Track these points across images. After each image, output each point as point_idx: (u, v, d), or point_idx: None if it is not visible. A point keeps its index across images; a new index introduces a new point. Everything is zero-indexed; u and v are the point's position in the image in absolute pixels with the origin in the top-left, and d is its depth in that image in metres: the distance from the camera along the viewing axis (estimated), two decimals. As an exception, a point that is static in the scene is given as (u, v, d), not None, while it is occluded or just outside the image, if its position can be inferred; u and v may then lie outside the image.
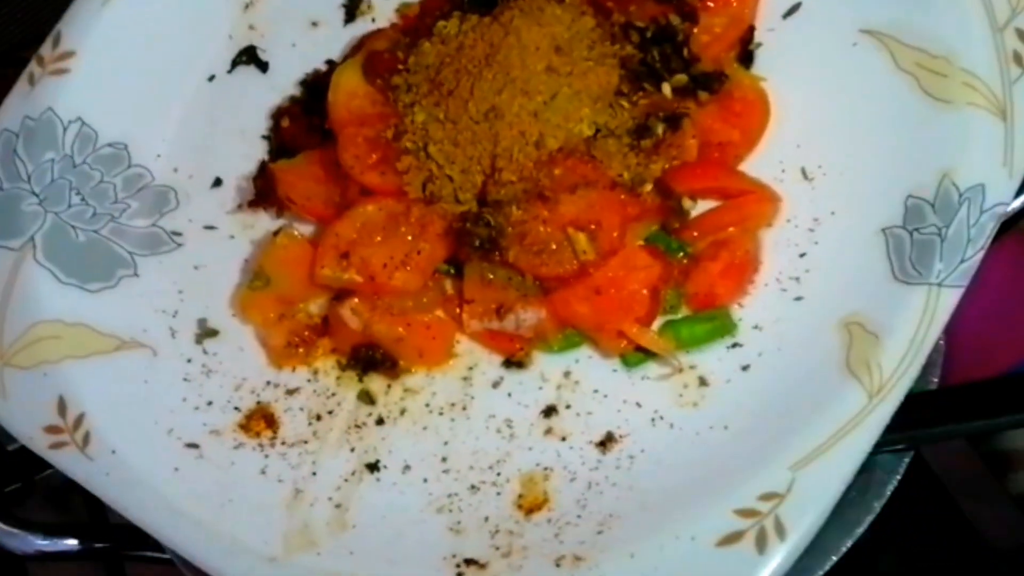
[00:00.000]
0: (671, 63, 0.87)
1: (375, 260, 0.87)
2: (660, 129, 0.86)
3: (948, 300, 0.77)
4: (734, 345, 0.84)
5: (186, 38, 1.02)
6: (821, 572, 0.84)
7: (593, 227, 0.83)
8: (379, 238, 0.87)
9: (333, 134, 0.93)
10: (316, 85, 0.99)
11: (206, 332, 0.93)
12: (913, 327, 0.77)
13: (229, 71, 1.02)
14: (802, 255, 0.85)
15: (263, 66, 1.02)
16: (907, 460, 0.86)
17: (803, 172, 0.87)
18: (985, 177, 0.79)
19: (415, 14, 0.99)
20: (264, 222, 0.97)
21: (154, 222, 0.97)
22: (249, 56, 1.02)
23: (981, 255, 0.78)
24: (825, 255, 0.84)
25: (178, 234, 0.97)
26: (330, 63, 1.00)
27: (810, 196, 0.86)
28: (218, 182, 0.98)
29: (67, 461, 0.86)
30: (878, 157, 0.85)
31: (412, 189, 0.87)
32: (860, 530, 0.85)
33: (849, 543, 0.84)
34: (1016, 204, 0.84)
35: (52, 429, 0.87)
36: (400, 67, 0.92)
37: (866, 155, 0.86)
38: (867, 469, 0.81)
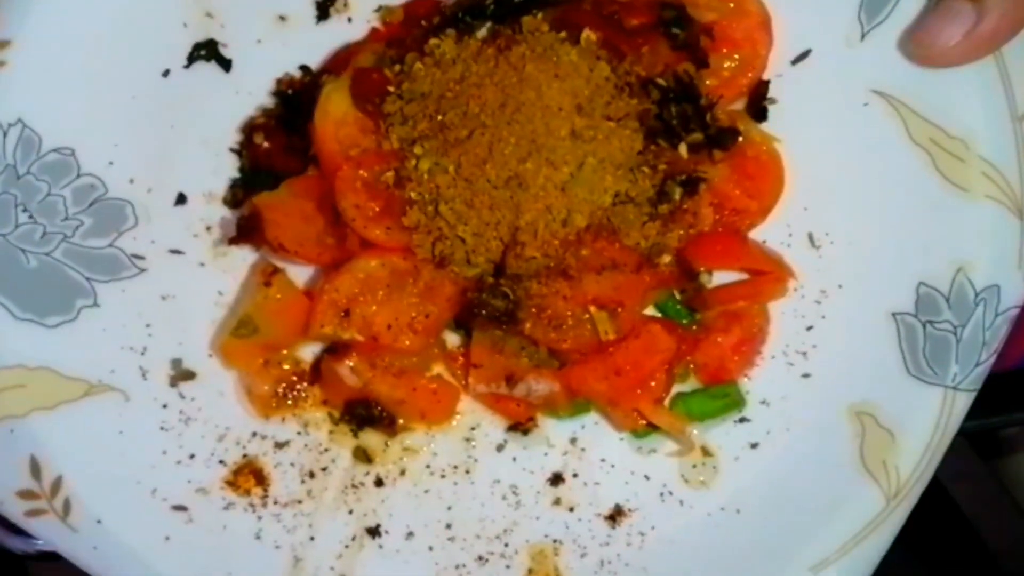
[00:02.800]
0: (689, 121, 0.84)
1: (379, 320, 0.83)
2: (677, 194, 0.83)
3: (962, 404, 0.80)
4: (742, 420, 0.85)
5: (135, 25, 0.91)
6: None
7: (615, 306, 0.81)
8: (383, 296, 0.83)
9: (317, 159, 0.87)
10: (292, 97, 0.91)
11: (181, 374, 0.87)
12: (930, 429, 0.80)
13: (186, 66, 0.92)
14: (809, 328, 0.86)
15: (226, 64, 0.93)
16: None
17: (810, 238, 0.87)
18: (1001, 278, 0.81)
19: (399, 21, 0.91)
20: (238, 249, 0.90)
21: (111, 242, 0.89)
22: (209, 52, 0.92)
23: (993, 359, 0.80)
24: (833, 331, 0.85)
25: (140, 257, 0.89)
26: (304, 69, 0.92)
27: (817, 265, 0.86)
28: (182, 199, 0.90)
29: (48, 531, 0.82)
30: (888, 233, 0.85)
31: (421, 250, 0.82)
32: None
33: None
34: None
35: (27, 494, 0.82)
36: (391, 89, 0.85)
37: (875, 228, 0.86)
38: None
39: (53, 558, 0.92)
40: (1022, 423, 0.92)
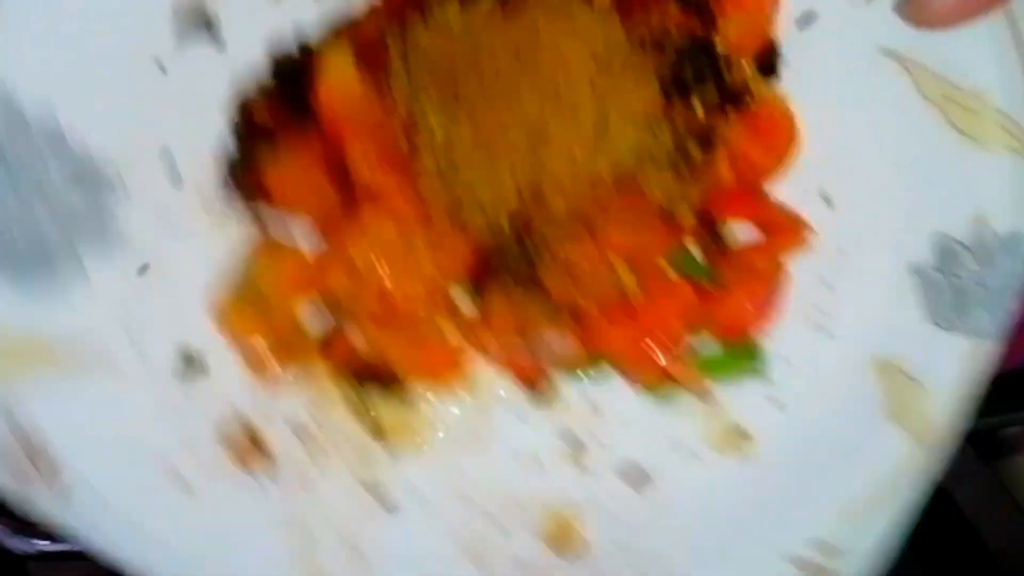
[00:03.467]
0: (704, 79, 0.83)
1: (389, 280, 0.80)
2: (695, 151, 0.82)
3: (989, 350, 0.79)
4: (763, 380, 0.83)
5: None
6: None
7: (638, 260, 0.79)
8: (394, 254, 0.80)
9: (318, 119, 0.84)
10: (291, 75, 0.87)
11: (178, 350, 0.82)
12: (957, 377, 0.79)
13: (176, 43, 0.88)
14: (828, 285, 0.84)
15: (220, 40, 0.89)
16: None
17: (825, 197, 0.86)
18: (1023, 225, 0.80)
19: (401, -2, 0.89)
20: (233, 217, 0.86)
21: (97, 213, 0.84)
22: (201, 19, 0.89)
23: (1018, 306, 0.79)
24: (852, 287, 0.84)
25: (125, 222, 0.84)
26: (303, 49, 0.89)
27: (833, 223, 0.85)
28: (173, 169, 0.86)
29: (36, 497, 0.75)
30: (904, 188, 0.84)
31: (434, 205, 0.79)
32: None
33: None
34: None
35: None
36: (396, 59, 0.83)
37: (890, 185, 0.85)
38: None
39: (53, 558, 0.95)
40: (1022, 423, 0.91)
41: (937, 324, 0.80)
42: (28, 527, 0.94)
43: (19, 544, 0.93)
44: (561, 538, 0.79)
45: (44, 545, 0.94)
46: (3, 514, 0.93)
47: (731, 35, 0.88)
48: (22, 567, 0.98)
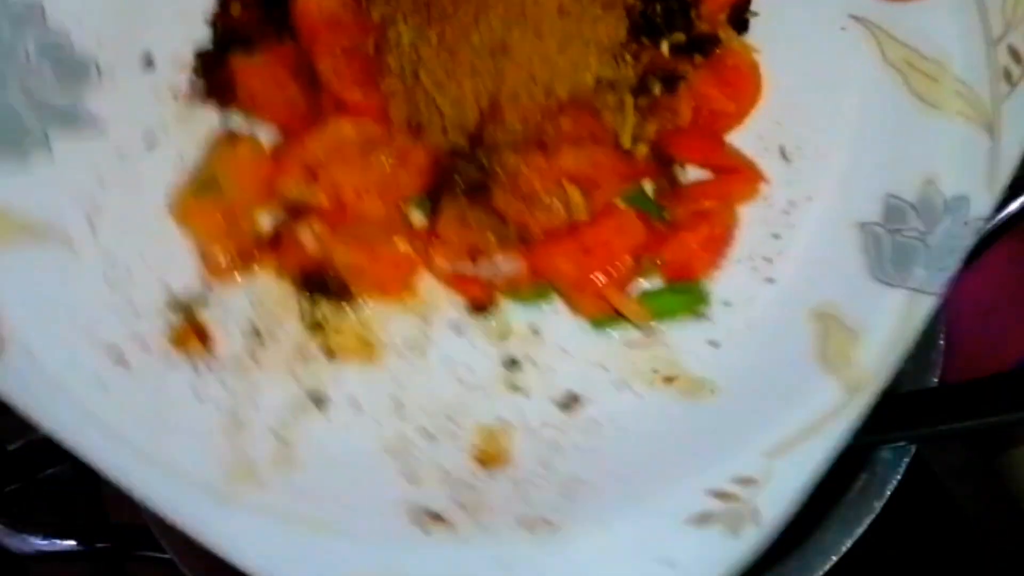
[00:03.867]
0: (674, 20, 0.85)
1: (346, 184, 0.81)
2: (657, 89, 0.83)
3: (926, 306, 0.80)
4: (703, 319, 0.84)
5: None
6: (821, 572, 0.86)
7: (589, 185, 0.80)
8: (353, 160, 0.81)
9: (294, 31, 0.86)
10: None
11: (133, 235, 0.84)
12: (892, 328, 0.79)
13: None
14: (776, 236, 0.86)
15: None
16: (907, 460, 0.88)
17: (782, 151, 0.87)
18: (970, 189, 0.82)
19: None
20: (202, 115, 0.88)
21: (71, 99, 0.86)
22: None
23: (959, 266, 0.80)
24: (799, 240, 0.85)
25: (100, 116, 0.86)
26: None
27: (787, 177, 0.87)
28: (149, 63, 0.88)
29: (-20, 362, 0.77)
30: (859, 148, 0.86)
31: (397, 117, 0.81)
32: (860, 530, 0.87)
33: (849, 543, 0.86)
34: (1016, 205, 0.86)
35: (-39, 323, 0.77)
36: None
37: (847, 144, 0.86)
38: (867, 468, 0.83)
39: (53, 558, 0.96)
40: (1022, 422, 0.92)
41: (877, 278, 0.81)
42: (28, 526, 0.96)
43: (18, 544, 0.94)
44: (487, 452, 0.80)
45: (43, 545, 0.96)
46: (3, 514, 0.96)
47: (708, -20, 0.90)
48: (22, 567, 1.01)
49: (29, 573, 1.02)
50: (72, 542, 0.97)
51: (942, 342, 0.97)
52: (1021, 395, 0.88)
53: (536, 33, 0.80)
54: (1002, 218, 0.92)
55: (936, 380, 0.97)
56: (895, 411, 0.82)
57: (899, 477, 0.91)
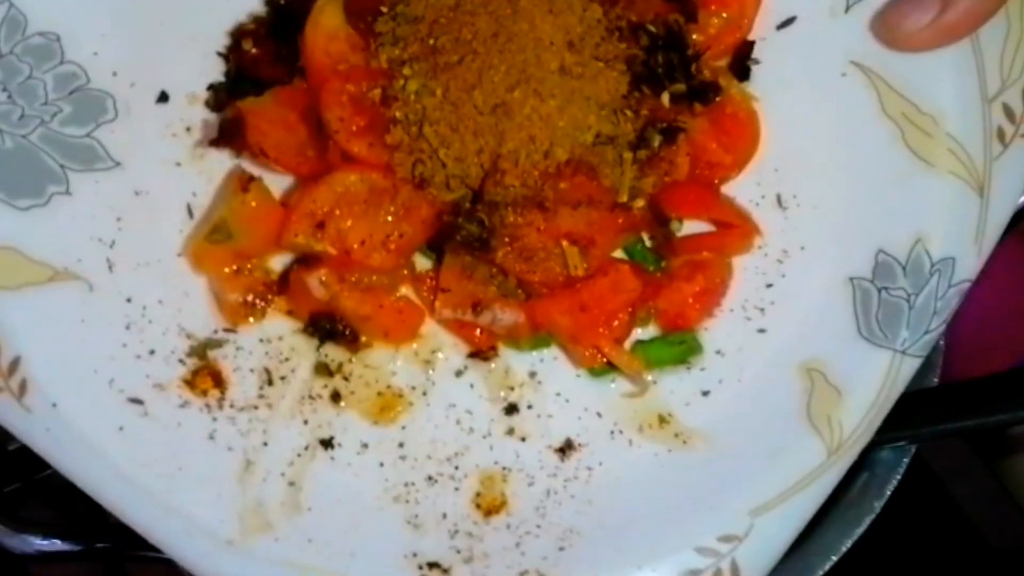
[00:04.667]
0: (675, 71, 0.86)
1: (353, 235, 0.84)
2: (656, 141, 0.85)
3: (909, 368, 0.83)
4: (696, 368, 0.87)
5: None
6: (821, 572, 0.89)
7: (586, 243, 0.83)
8: (359, 212, 0.84)
9: (304, 71, 0.88)
10: (283, 7, 0.91)
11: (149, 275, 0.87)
12: (875, 390, 0.83)
13: (178, -40, 0.92)
14: (769, 285, 0.88)
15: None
16: (907, 460, 0.91)
17: (778, 199, 0.89)
18: (957, 251, 0.84)
19: (396, -54, 0.92)
20: (216, 153, 0.90)
21: (89, 132, 0.88)
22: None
23: (943, 328, 0.83)
24: (791, 290, 0.88)
25: (117, 152, 0.89)
26: (294, -20, 0.92)
27: (782, 226, 0.89)
28: (164, 97, 0.90)
29: (2, 410, 0.81)
30: (853, 200, 0.88)
31: (401, 169, 0.83)
32: (860, 530, 0.90)
33: (849, 543, 0.89)
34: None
35: (-17, 370, 0.81)
36: (384, 9, 0.86)
37: (842, 195, 0.88)
38: (867, 468, 0.86)
39: (53, 558, 0.99)
40: (1022, 422, 0.94)
41: (864, 337, 0.84)
42: (28, 526, 0.99)
43: (18, 544, 0.95)
44: (486, 498, 0.84)
45: (43, 545, 0.97)
46: (3, 514, 0.98)
47: (710, 29, 0.91)
48: (22, 567, 1.04)
49: (29, 573, 1.04)
50: (72, 542, 0.99)
51: (942, 342, 0.99)
52: (1021, 395, 0.91)
53: (537, 94, 0.82)
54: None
55: (936, 380, 0.99)
56: (895, 411, 0.83)
57: (899, 477, 0.94)
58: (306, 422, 0.86)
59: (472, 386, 0.87)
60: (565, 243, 0.83)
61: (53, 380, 0.82)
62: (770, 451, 0.82)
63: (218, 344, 0.87)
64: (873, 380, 0.83)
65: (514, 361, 0.88)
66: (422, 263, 0.88)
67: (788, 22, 0.92)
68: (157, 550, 0.85)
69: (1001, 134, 0.86)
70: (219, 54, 0.91)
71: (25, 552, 0.97)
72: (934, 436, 0.96)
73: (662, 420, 0.86)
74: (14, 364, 0.82)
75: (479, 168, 0.83)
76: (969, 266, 0.84)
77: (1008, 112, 0.86)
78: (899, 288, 0.84)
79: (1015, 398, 0.91)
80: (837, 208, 0.88)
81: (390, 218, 0.84)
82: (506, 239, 0.83)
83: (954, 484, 1.11)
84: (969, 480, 1.12)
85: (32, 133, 0.87)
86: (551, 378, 0.87)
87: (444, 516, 0.83)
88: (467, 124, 0.82)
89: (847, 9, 0.89)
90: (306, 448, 0.85)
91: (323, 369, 0.87)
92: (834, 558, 0.93)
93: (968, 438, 1.12)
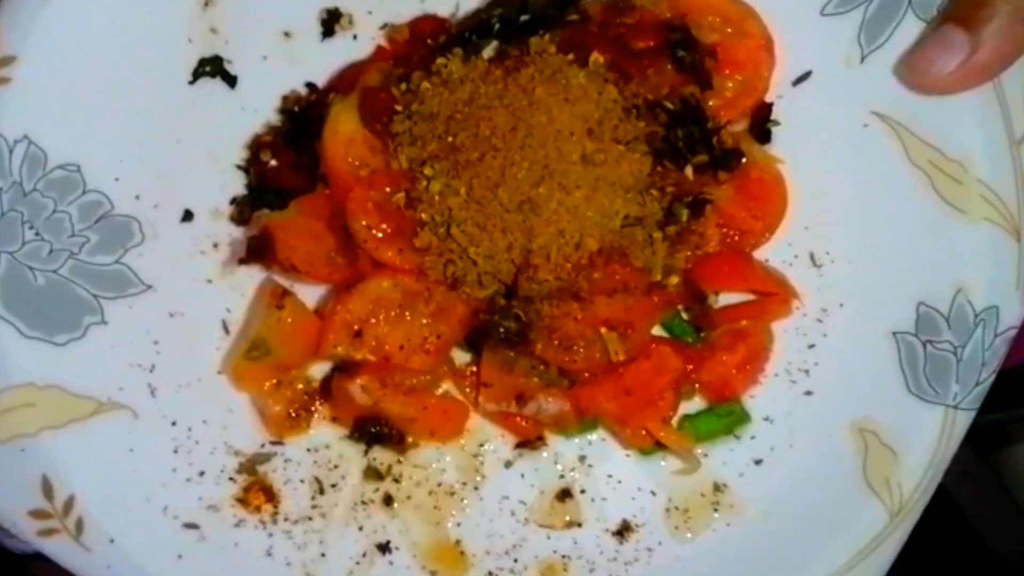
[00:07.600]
0: (696, 143, 0.86)
1: (391, 341, 0.84)
2: (684, 215, 0.85)
3: (963, 422, 0.82)
4: (746, 437, 0.86)
5: (139, 40, 0.90)
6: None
7: (625, 328, 0.82)
8: (395, 317, 0.84)
9: (325, 177, 0.88)
10: (298, 115, 0.91)
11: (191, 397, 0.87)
12: (931, 448, 0.82)
13: (191, 82, 0.92)
14: (811, 346, 0.87)
15: (231, 80, 0.93)
16: None
17: (812, 258, 0.89)
18: (1000, 299, 0.83)
19: (404, 39, 0.92)
20: (245, 267, 0.90)
21: (118, 258, 0.89)
22: (215, 67, 0.92)
23: (993, 378, 0.82)
24: (834, 349, 0.87)
25: (147, 274, 0.89)
26: (311, 87, 0.92)
27: (818, 284, 0.88)
28: (188, 216, 0.91)
29: (62, 551, 0.82)
30: (888, 252, 0.87)
31: (433, 272, 0.83)
32: None
33: None
34: None
35: (39, 514, 0.82)
36: (399, 109, 0.86)
37: (875, 248, 0.87)
38: None
39: None
40: (1022, 419, 0.94)
41: (913, 393, 0.83)
42: None
43: (18, 544, 0.94)
44: (548, 585, 0.84)
45: None
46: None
47: (726, 93, 0.90)
48: (22, 567, 1.01)
49: (29, 573, 1.02)
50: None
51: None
52: (1021, 394, 0.90)
53: (563, 187, 0.81)
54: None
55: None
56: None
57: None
58: (361, 528, 0.86)
59: (523, 475, 0.87)
60: (604, 330, 0.83)
61: (108, 515, 0.82)
62: (831, 519, 0.82)
63: (266, 458, 0.87)
64: (928, 438, 0.82)
65: (563, 447, 0.87)
66: (460, 356, 0.87)
67: (804, 77, 0.91)
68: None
69: (1032, 175, 0.85)
70: (239, 167, 0.91)
71: (25, 552, 0.96)
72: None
73: (717, 492, 0.85)
74: (69, 503, 0.82)
75: (510, 264, 0.83)
76: (1014, 313, 0.83)
77: (1038, 153, 0.85)
78: (944, 341, 0.83)
79: (1015, 398, 0.90)
80: (872, 261, 0.87)
81: (426, 320, 0.84)
82: (544, 331, 0.83)
83: (954, 484, 1.08)
84: (970, 480, 1.10)
85: (62, 267, 0.87)
86: (601, 461, 0.87)
87: (508, 614, 0.83)
88: (494, 222, 0.82)
89: (863, 59, 0.89)
90: (364, 555, 0.85)
91: (373, 473, 0.87)
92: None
93: (968, 438, 1.11)
